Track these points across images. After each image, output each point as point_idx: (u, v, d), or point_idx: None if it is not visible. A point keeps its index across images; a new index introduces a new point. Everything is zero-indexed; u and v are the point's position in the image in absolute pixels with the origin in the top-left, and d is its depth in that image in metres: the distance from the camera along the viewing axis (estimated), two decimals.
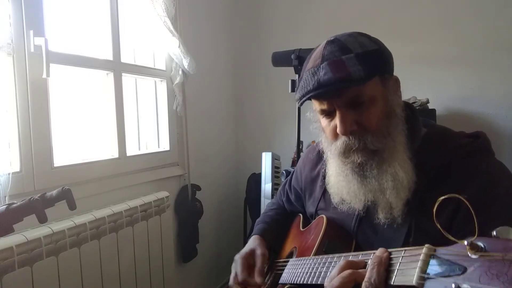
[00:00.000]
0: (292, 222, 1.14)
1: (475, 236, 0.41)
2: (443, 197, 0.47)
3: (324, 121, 0.79)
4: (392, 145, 0.74)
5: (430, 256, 0.47)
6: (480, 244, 0.41)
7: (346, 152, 0.75)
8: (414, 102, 1.95)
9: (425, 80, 2.15)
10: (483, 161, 0.74)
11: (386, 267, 0.55)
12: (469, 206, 0.44)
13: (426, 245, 0.48)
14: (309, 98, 0.75)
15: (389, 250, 0.56)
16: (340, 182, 0.80)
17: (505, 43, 1.97)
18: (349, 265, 0.62)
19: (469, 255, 0.41)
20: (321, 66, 0.72)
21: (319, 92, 0.72)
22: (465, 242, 0.42)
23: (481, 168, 0.73)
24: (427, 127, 0.83)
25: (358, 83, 0.69)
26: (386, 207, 0.75)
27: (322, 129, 0.82)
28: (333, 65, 0.71)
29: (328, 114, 0.77)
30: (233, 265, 1.02)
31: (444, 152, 0.76)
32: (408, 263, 0.50)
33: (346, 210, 0.82)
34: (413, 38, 2.17)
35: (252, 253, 1.03)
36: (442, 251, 0.46)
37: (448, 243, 0.45)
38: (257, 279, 0.96)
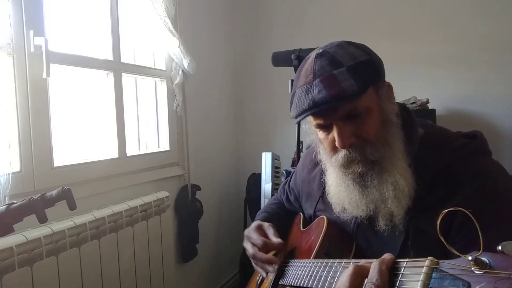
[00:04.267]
0: (293, 220, 1.14)
1: (480, 252, 0.40)
2: (447, 210, 0.47)
3: (321, 134, 0.79)
4: (391, 153, 0.74)
5: (433, 269, 0.46)
6: (485, 260, 0.40)
7: (347, 164, 0.75)
8: (414, 102, 1.95)
9: (425, 80, 2.15)
10: (480, 162, 0.75)
11: (389, 267, 0.54)
12: (474, 220, 0.43)
13: (429, 258, 0.47)
14: (306, 117, 0.74)
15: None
16: (341, 192, 0.80)
17: (505, 43, 1.97)
18: (358, 270, 0.59)
19: (474, 270, 0.40)
20: (313, 83, 0.71)
21: (315, 111, 0.71)
22: (470, 258, 0.40)
23: (478, 169, 0.73)
24: (424, 128, 0.82)
25: (353, 99, 0.69)
26: (386, 215, 0.75)
27: (320, 141, 0.82)
28: (326, 81, 0.70)
29: (325, 127, 0.77)
30: (245, 241, 1.02)
31: (441, 154, 0.76)
32: (410, 275, 0.49)
33: (348, 218, 0.82)
34: (413, 37, 2.17)
35: (259, 226, 1.03)
36: (445, 264, 0.45)
37: (447, 247, 0.45)
38: (275, 240, 0.96)
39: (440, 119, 1.97)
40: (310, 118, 0.78)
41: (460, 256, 0.42)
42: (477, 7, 2.02)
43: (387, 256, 0.56)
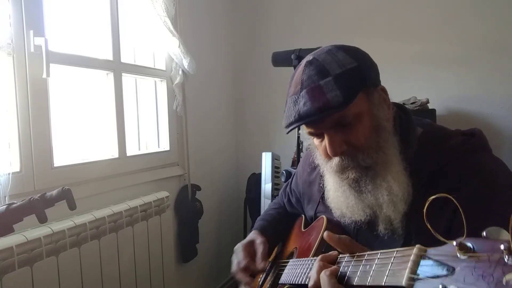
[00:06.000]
0: (294, 223, 1.14)
1: (464, 237, 0.41)
2: (433, 197, 0.48)
3: (315, 141, 0.80)
4: (384, 158, 0.74)
5: (420, 256, 0.47)
6: (469, 244, 0.40)
7: (341, 170, 0.76)
8: (414, 102, 1.95)
9: (425, 80, 2.14)
10: (479, 159, 0.74)
11: (328, 261, 0.65)
12: (458, 205, 0.44)
13: (417, 246, 0.48)
14: (294, 129, 0.75)
15: (383, 251, 0.56)
16: (338, 197, 0.81)
17: (505, 43, 1.97)
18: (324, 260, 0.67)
19: (458, 255, 0.41)
20: (300, 94, 0.72)
21: (301, 123, 0.72)
22: (454, 243, 0.41)
23: (478, 166, 0.73)
24: (423, 127, 0.82)
25: (337, 110, 0.69)
26: (386, 220, 0.75)
27: (316, 147, 0.82)
28: (311, 93, 0.70)
29: (317, 135, 0.78)
30: (234, 255, 1.04)
31: (440, 152, 0.76)
32: (399, 263, 0.50)
33: (348, 223, 0.82)
34: (413, 38, 2.17)
35: (251, 243, 1.05)
36: (432, 251, 0.46)
37: (434, 234, 0.46)
38: (260, 264, 0.98)
39: (440, 119, 1.97)
40: (303, 126, 0.79)
41: (446, 243, 0.43)
42: (477, 7, 2.02)
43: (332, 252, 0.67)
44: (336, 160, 0.75)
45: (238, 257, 1.02)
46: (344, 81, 0.69)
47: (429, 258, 0.45)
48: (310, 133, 0.78)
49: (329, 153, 0.74)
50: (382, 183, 0.73)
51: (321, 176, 0.92)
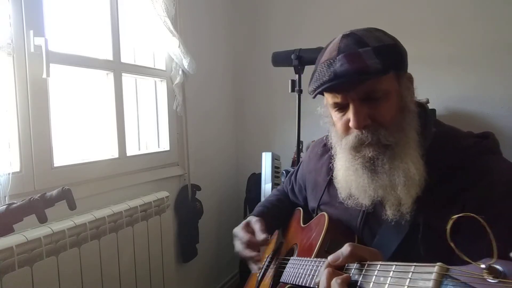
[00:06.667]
0: (292, 216, 1.14)
1: (494, 259, 0.39)
2: (457, 216, 0.45)
3: (336, 114, 0.79)
4: (405, 140, 0.73)
5: (443, 276, 0.43)
6: (500, 268, 0.38)
7: (357, 147, 0.74)
8: None
9: (425, 80, 2.14)
10: (492, 160, 0.74)
11: (336, 267, 0.61)
12: (486, 226, 0.41)
13: (439, 264, 0.45)
14: (324, 90, 0.74)
15: (399, 263, 0.52)
16: (349, 176, 0.79)
17: (505, 43, 1.97)
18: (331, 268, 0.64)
19: (486, 279, 0.38)
20: (337, 58, 0.72)
21: (335, 83, 0.71)
22: (483, 266, 0.39)
23: (490, 167, 0.72)
24: (436, 126, 0.82)
25: (375, 76, 0.69)
26: (394, 204, 0.74)
27: (333, 123, 0.81)
28: (349, 57, 0.70)
29: (341, 107, 0.77)
30: (235, 239, 1.04)
31: (453, 152, 0.76)
32: (418, 280, 0.47)
33: (353, 205, 0.81)
34: (413, 38, 2.17)
35: (248, 223, 1.04)
36: (456, 271, 0.43)
37: (456, 244, 0.43)
38: (260, 236, 0.97)
39: (440, 119, 1.96)
40: (327, 97, 0.78)
41: (471, 263, 0.41)
42: (477, 7, 2.02)
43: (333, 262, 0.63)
44: (354, 133, 0.74)
45: (239, 237, 1.02)
46: (383, 53, 0.70)
47: (453, 278, 0.42)
48: (335, 104, 0.77)
49: (351, 124, 0.73)
50: (400, 165, 0.72)
51: (330, 160, 0.91)
